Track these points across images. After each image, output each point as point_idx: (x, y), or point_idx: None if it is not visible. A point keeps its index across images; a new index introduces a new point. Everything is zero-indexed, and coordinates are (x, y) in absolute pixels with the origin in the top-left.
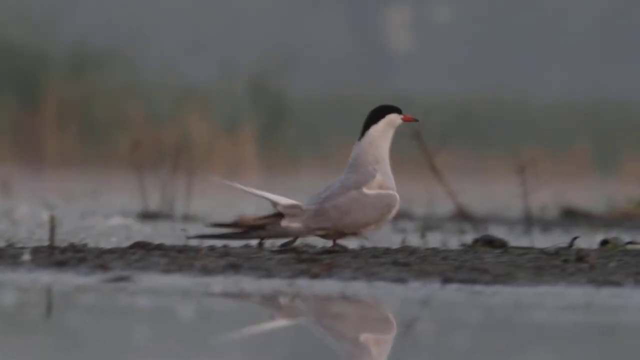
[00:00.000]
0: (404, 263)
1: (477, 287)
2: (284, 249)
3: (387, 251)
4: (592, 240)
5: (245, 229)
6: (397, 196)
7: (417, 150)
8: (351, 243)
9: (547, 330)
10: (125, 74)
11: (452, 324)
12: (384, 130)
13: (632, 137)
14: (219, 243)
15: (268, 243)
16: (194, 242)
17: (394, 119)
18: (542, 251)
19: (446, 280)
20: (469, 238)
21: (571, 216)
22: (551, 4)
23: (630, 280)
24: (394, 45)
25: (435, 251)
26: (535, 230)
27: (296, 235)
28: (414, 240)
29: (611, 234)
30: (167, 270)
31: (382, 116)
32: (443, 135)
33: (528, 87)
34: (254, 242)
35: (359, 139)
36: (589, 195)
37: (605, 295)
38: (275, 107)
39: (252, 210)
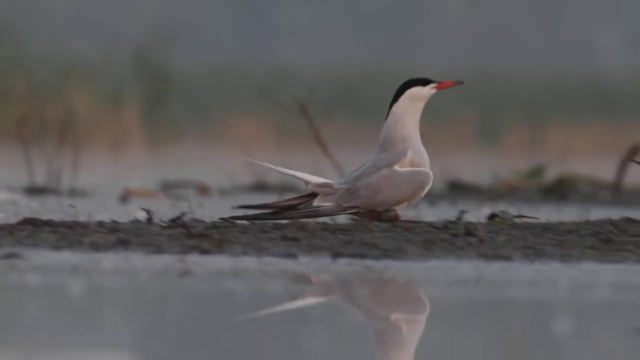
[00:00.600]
0: (293, 238)
1: (368, 262)
2: (173, 224)
3: (276, 226)
4: (480, 213)
5: (277, 209)
6: (430, 173)
7: (303, 123)
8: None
9: (438, 304)
10: (10, 48)
11: (341, 298)
12: (408, 107)
13: (514, 109)
14: (119, 219)
15: (157, 218)
16: (83, 218)
17: (415, 92)
18: (431, 225)
19: (336, 255)
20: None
21: (457, 189)
22: None
23: (519, 254)
24: (277, 19)
25: (324, 225)
26: (422, 203)
27: (328, 214)
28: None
29: (498, 207)
30: (56, 247)
31: (402, 92)
32: (328, 108)
33: (409, 59)
34: (142, 217)
35: (386, 118)
36: (474, 167)
37: (495, 269)
38: (159, 80)
39: (137, 184)
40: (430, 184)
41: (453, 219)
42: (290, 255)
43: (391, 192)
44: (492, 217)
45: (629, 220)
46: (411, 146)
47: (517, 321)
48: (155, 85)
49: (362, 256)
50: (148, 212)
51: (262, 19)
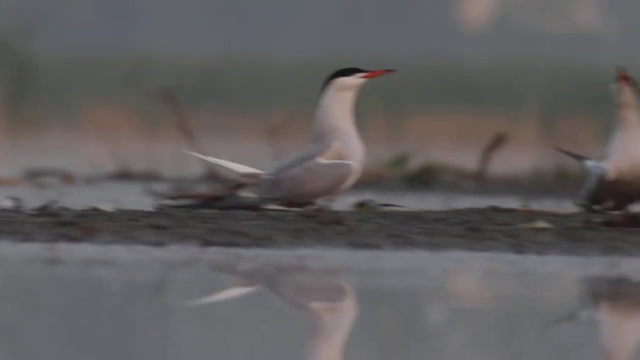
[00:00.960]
0: (162, 226)
1: (237, 250)
2: (41, 212)
3: (144, 214)
4: (346, 202)
5: (205, 199)
6: (353, 165)
7: (169, 111)
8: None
9: (309, 293)
10: None
11: (213, 286)
12: (335, 98)
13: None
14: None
15: (24, 206)
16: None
17: (341, 83)
18: (299, 213)
19: (205, 243)
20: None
21: None
22: None
23: (388, 243)
24: (143, 5)
25: (192, 214)
26: None
27: (252, 205)
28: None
29: (363, 196)
30: None
31: (329, 84)
32: (194, 96)
33: (272, 48)
34: (9, 205)
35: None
36: None
37: (364, 257)
38: (21, 68)
39: (0, 173)
40: (355, 176)
41: (321, 207)
42: (160, 244)
43: (312, 184)
44: (359, 205)
45: (495, 208)
46: (339, 138)
47: (387, 309)
48: (17, 73)
49: (231, 244)
50: (16, 200)
51: (127, 5)
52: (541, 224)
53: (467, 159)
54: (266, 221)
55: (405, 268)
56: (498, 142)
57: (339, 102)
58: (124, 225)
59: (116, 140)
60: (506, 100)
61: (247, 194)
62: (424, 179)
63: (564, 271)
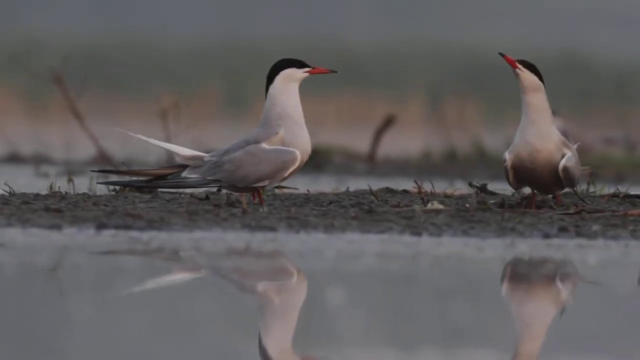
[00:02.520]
0: (56, 209)
1: (133, 233)
2: None
3: (37, 197)
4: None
5: (150, 177)
6: (297, 153)
7: (57, 94)
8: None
9: (204, 275)
10: None
11: (112, 270)
12: (283, 87)
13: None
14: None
15: None
16: None
17: (290, 73)
18: (192, 196)
19: (100, 226)
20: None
21: None
22: None
23: (284, 225)
24: None
25: (85, 197)
26: None
27: (193, 186)
28: (60, 186)
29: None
30: None
31: (276, 73)
32: (83, 79)
33: (161, 28)
34: None
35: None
36: (225, 138)
37: (261, 239)
38: None
39: None
40: (297, 164)
41: (214, 190)
42: (55, 227)
43: (253, 169)
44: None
45: (389, 190)
46: (286, 124)
47: (285, 291)
48: None
49: (126, 227)
50: None
51: None
52: (436, 205)
53: (356, 141)
54: (161, 204)
55: (301, 250)
56: (387, 124)
57: (287, 91)
58: (18, 209)
59: (4, 123)
60: (393, 82)
61: (189, 175)
62: (314, 161)
63: (460, 252)
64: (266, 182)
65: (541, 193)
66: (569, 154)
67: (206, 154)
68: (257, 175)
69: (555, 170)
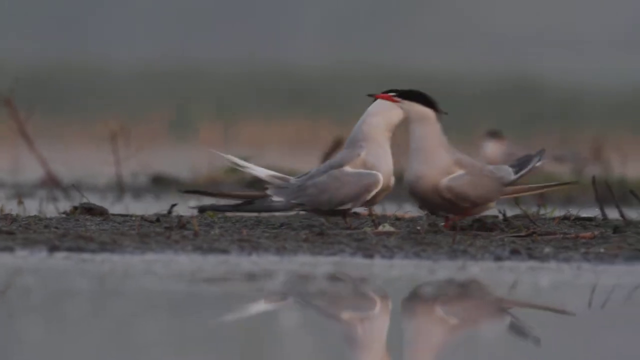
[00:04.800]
0: (7, 231)
1: (85, 255)
2: None
3: None
4: (187, 206)
5: (242, 200)
6: (378, 175)
7: (6, 116)
8: None
9: (159, 297)
10: None
11: (65, 292)
12: (380, 110)
13: (207, 103)
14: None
15: None
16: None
17: (390, 108)
18: (143, 218)
19: (53, 248)
20: (64, 205)
21: (160, 182)
22: None
23: (236, 247)
24: None
25: (36, 219)
26: (127, 197)
27: (279, 210)
28: (12, 208)
29: (203, 201)
30: None
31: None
32: (32, 101)
33: (107, 52)
34: None
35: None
36: (172, 162)
37: (213, 262)
38: None
39: None
40: (380, 186)
41: (164, 212)
42: (7, 249)
43: (336, 192)
44: (203, 210)
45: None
46: (368, 147)
47: (238, 312)
48: None
49: (79, 249)
50: None
51: None
52: (387, 227)
53: (304, 165)
54: (112, 226)
55: (254, 272)
56: (336, 146)
57: (382, 115)
58: None
59: None
60: (339, 106)
61: (276, 199)
62: (261, 184)
63: (412, 274)
64: (349, 205)
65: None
66: (457, 173)
67: (290, 177)
68: (340, 198)
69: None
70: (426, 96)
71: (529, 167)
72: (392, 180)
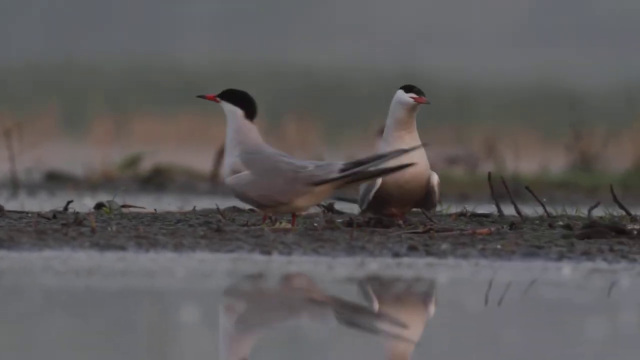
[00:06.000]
0: None
1: None
2: None
3: None
4: (83, 203)
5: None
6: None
7: None
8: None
9: (58, 295)
10: None
11: None
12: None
13: (98, 98)
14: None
15: None
16: None
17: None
18: (40, 215)
19: None
20: None
21: (54, 179)
22: None
23: (133, 244)
24: None
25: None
26: (22, 194)
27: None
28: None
29: (97, 198)
30: None
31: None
32: None
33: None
34: None
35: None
36: (64, 158)
37: (111, 259)
38: None
39: None
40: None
41: (60, 209)
42: None
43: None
44: (99, 206)
45: (236, 209)
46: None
47: (140, 311)
48: None
49: None
50: None
51: None
52: (284, 224)
53: (197, 161)
54: (9, 222)
55: (152, 269)
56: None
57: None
58: None
59: None
60: None
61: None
62: (156, 180)
63: (311, 271)
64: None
65: None
66: (242, 173)
67: None
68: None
69: None
70: (238, 96)
71: (360, 168)
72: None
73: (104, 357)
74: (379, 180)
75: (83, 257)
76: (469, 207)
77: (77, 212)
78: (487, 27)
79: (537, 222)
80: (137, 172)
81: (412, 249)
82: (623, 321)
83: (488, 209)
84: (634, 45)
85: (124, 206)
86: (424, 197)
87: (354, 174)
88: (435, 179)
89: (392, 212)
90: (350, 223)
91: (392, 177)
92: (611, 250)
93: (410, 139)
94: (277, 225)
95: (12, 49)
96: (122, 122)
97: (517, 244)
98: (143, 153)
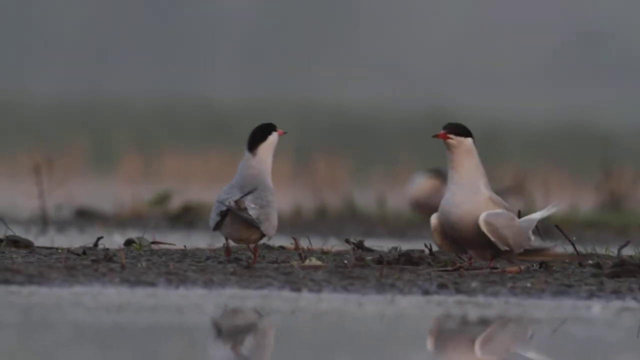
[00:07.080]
0: None
1: (13, 288)
2: None
3: None
4: (113, 240)
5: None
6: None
7: None
8: None
9: (87, 330)
10: None
11: None
12: None
13: (127, 135)
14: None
15: None
16: None
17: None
18: (70, 251)
19: None
20: None
21: (84, 216)
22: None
23: (163, 280)
24: None
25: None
26: (51, 230)
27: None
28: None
29: (127, 234)
30: None
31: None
32: None
33: (25, 85)
34: None
35: None
36: (93, 195)
37: (141, 295)
38: None
39: None
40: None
41: (90, 245)
42: None
43: None
44: (129, 243)
45: (266, 246)
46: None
47: (170, 347)
48: None
49: (6, 282)
50: None
51: None
52: (314, 261)
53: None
54: (38, 258)
55: (182, 305)
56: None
57: None
58: None
59: None
60: None
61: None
62: (186, 217)
63: (341, 308)
64: None
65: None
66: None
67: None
68: None
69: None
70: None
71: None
72: None
73: None
74: (434, 221)
75: (113, 293)
76: None
77: (107, 249)
78: (516, 65)
79: (567, 261)
80: (167, 210)
81: (442, 286)
82: None
83: None
84: None
85: (153, 243)
86: (487, 240)
87: None
88: (482, 217)
89: (468, 255)
90: (380, 260)
91: (442, 217)
92: None
93: None
94: (307, 262)
95: (41, 85)
96: (151, 158)
97: (546, 282)
98: (173, 190)
